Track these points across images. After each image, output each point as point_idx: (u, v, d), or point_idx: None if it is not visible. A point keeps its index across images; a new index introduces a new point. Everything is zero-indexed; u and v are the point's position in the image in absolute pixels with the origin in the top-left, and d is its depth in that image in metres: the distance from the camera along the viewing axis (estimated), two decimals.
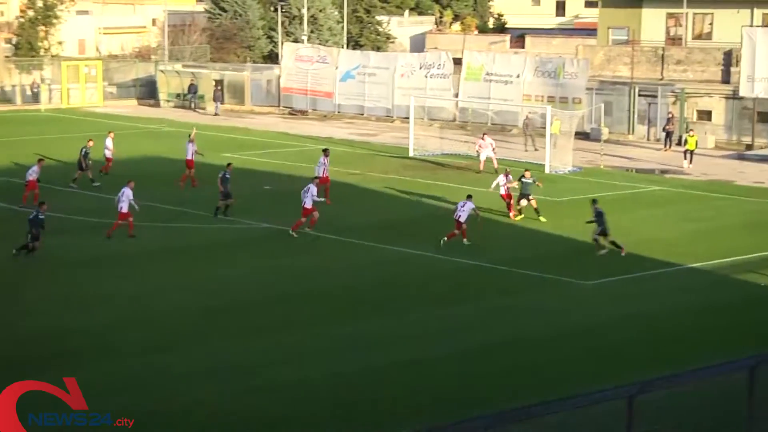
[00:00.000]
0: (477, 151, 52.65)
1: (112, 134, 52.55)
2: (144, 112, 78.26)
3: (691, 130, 59.14)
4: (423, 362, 25.90)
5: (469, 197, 38.37)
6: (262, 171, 52.50)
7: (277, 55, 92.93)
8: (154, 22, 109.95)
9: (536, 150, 57.80)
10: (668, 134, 62.21)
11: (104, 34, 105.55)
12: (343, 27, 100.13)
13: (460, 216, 37.45)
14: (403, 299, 31.42)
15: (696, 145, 56.61)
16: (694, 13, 79.89)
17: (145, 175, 51.45)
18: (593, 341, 27.82)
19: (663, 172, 55.16)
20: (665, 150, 61.61)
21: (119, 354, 26.35)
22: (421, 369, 25.48)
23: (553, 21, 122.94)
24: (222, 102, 77.45)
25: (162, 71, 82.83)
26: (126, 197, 38.27)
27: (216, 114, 75.77)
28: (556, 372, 25.43)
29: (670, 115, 63.31)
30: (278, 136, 65.38)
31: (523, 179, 41.91)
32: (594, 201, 38.14)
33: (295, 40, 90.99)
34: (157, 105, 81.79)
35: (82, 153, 48.30)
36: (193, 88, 79.66)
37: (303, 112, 77.28)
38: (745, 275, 34.33)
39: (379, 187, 47.67)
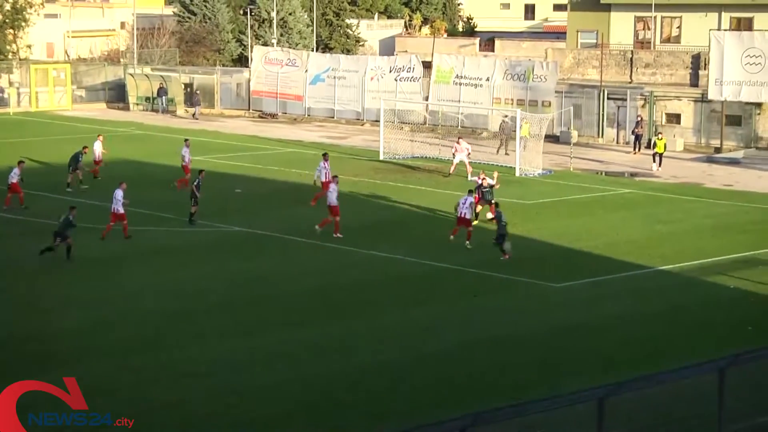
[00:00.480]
0: (453, 155, 52.70)
1: (101, 137, 52.64)
2: (113, 116, 78.10)
3: (660, 133, 59.58)
4: (395, 364, 26.05)
5: (470, 192, 39.08)
6: (233, 174, 52.55)
7: (246, 58, 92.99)
8: (123, 25, 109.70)
9: (507, 154, 58.03)
10: (637, 137, 62.62)
11: (73, 37, 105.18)
12: (312, 30, 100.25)
13: (465, 213, 37.77)
14: (375, 302, 31.56)
15: (665, 148, 57.03)
16: (663, 17, 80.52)
17: (116, 178, 51.46)
18: (562, 343, 28.02)
19: (632, 174, 55.56)
20: (634, 153, 62.02)
21: (98, 354, 26.37)
22: (394, 370, 25.64)
23: (522, 24, 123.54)
24: (200, 105, 77.40)
25: (131, 75, 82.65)
26: (118, 198, 38.38)
27: (195, 118, 75.58)
28: (527, 374, 25.63)
29: (639, 118, 63.75)
30: (248, 139, 65.44)
31: (481, 188, 41.71)
32: (496, 204, 37.90)
33: (265, 44, 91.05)
34: (126, 108, 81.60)
35: (76, 157, 48.30)
36: (162, 92, 79.63)
37: (273, 116, 77.34)
38: (714, 277, 34.64)
39: (350, 190, 47.80)
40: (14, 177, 43.83)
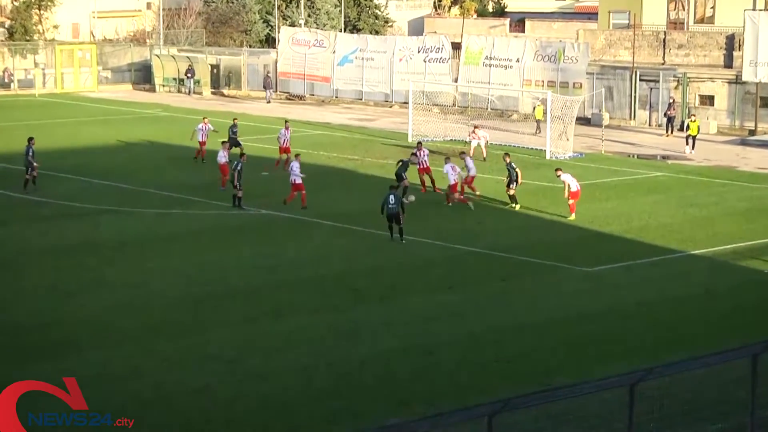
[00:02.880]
0: (468, 141, 52.58)
1: (206, 120, 52.55)
2: (139, 97, 78.34)
3: (693, 115, 59.25)
4: (421, 348, 26.03)
5: (447, 159, 42.43)
6: (259, 157, 52.59)
7: (274, 39, 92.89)
8: (149, 5, 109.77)
9: (538, 134, 58.13)
10: (670, 120, 62.33)
11: (99, 18, 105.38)
12: (340, 11, 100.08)
13: (453, 179, 40.79)
14: (401, 286, 31.53)
15: (698, 130, 56.72)
16: None
17: (140, 160, 51.66)
18: (591, 328, 27.93)
19: (665, 157, 55.27)
20: (667, 135, 61.71)
21: (123, 338, 26.47)
22: (420, 355, 25.61)
23: (553, 4, 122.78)
24: (272, 89, 76.75)
25: (157, 56, 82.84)
26: (295, 171, 40.78)
27: (268, 102, 75.11)
28: (557, 359, 25.56)
29: (672, 100, 63.44)
30: (275, 121, 65.43)
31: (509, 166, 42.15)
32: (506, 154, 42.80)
33: (292, 24, 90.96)
34: (152, 90, 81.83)
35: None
36: (191, 73, 79.70)
37: (300, 97, 77.34)
38: (747, 261, 34.45)
39: (378, 173, 47.74)
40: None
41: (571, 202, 39.80)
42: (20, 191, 43.26)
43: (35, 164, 43.20)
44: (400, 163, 43.32)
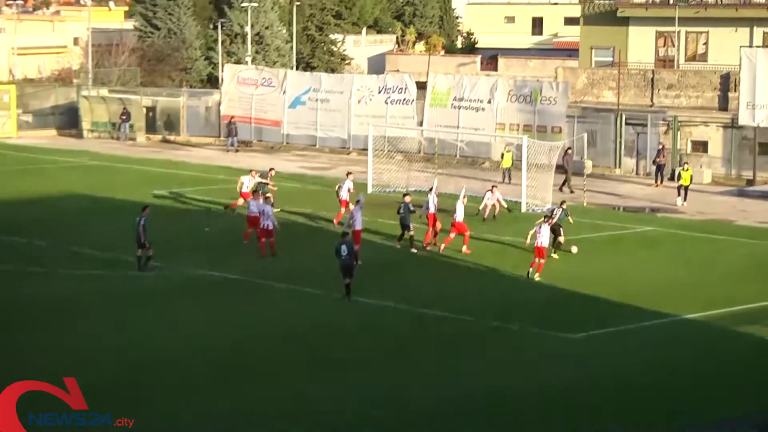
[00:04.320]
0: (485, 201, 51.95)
1: (253, 173, 52.87)
2: (65, 144, 78.07)
3: (686, 163, 59.64)
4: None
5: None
6: (200, 210, 52.46)
7: (217, 78, 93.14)
8: (76, 41, 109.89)
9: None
10: (659, 168, 62.73)
11: (19, 54, 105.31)
12: (291, 47, 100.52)
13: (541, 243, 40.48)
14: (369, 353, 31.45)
15: (691, 180, 57.13)
16: (687, 32, 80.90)
17: (67, 214, 51.41)
18: (584, 397, 27.99)
19: (654, 210, 55.59)
20: (656, 185, 62.11)
21: None
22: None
23: (529, 40, 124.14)
24: (236, 136, 74.85)
25: (85, 97, 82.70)
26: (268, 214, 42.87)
27: (236, 150, 73.78)
28: (546, 429, 25.57)
29: (661, 147, 63.85)
30: (219, 170, 65.40)
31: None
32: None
33: (238, 62, 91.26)
34: (79, 135, 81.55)
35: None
36: (126, 117, 79.32)
37: (247, 143, 77.34)
38: (747, 327, 34.57)
39: (334, 228, 47.71)
40: None
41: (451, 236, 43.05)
42: None
43: None
44: (402, 208, 44.50)
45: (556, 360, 31.25)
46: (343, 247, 36.57)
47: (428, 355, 31.63)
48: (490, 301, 37.35)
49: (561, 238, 43.61)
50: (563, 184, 59.28)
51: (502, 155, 62.74)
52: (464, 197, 45.16)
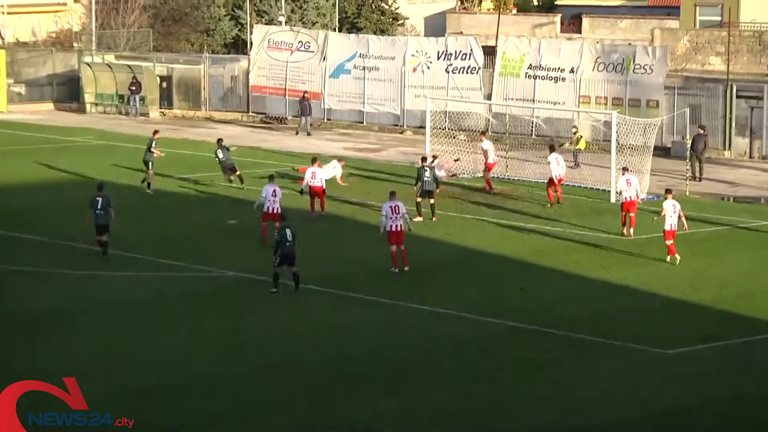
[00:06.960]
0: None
1: (343, 162, 55.30)
2: (64, 120, 78.51)
3: None
4: None
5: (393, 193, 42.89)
6: (225, 198, 52.67)
7: (244, 42, 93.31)
8: None
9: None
10: None
11: (9, 13, 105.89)
12: (334, 4, 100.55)
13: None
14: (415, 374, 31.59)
15: None
16: None
17: (64, 203, 51.73)
18: (677, 428, 27.95)
19: None
20: None
21: None
22: None
23: None
24: (310, 116, 74.26)
25: (88, 65, 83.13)
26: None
27: (309, 134, 73.40)
28: None
29: None
30: (246, 152, 65.52)
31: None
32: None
33: (270, 23, 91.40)
34: (81, 110, 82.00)
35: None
36: (136, 88, 79.50)
37: (280, 120, 77.45)
38: None
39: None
40: None
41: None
42: None
43: None
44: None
45: (644, 383, 31.31)
46: (289, 233, 37.60)
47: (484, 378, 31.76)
48: (565, 309, 37.42)
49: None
50: (699, 172, 59.15)
51: (575, 137, 61.97)
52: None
